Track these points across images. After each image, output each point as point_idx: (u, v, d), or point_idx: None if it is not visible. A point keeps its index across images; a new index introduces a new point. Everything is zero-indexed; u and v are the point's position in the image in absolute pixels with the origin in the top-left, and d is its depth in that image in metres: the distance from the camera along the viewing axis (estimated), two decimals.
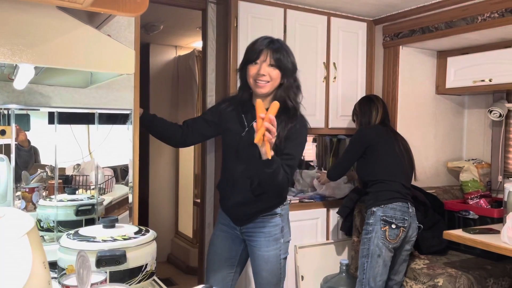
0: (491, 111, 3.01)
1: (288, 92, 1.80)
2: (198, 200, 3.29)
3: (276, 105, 1.56)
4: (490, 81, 2.79)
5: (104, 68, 1.03)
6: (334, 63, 3.02)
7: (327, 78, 2.99)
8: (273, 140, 1.58)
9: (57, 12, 0.96)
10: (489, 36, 2.69)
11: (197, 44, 3.95)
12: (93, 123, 1.64)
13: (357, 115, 2.74)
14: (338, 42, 3.04)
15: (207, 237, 2.96)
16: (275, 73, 1.75)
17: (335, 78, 3.02)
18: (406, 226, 2.40)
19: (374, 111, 2.66)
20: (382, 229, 2.38)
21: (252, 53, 1.77)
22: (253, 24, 2.70)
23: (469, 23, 2.58)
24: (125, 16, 0.97)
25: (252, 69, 1.75)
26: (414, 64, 3.14)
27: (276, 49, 1.75)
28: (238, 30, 2.66)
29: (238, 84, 1.96)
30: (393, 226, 2.37)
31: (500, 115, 2.98)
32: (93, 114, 1.61)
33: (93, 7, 0.93)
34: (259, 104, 1.55)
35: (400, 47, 3.05)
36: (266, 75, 1.73)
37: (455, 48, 3.06)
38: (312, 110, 2.88)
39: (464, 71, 3.00)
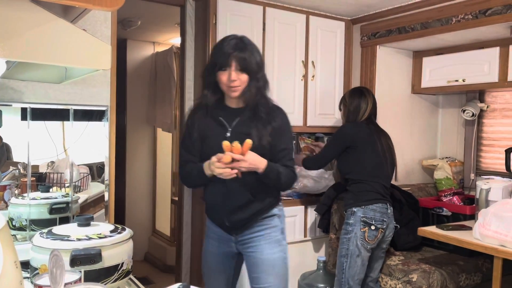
0: (464, 111, 3.08)
1: (258, 91, 1.76)
2: (176, 198, 3.26)
3: (248, 144, 1.61)
4: (463, 81, 2.86)
5: (79, 63, 1.00)
6: (312, 62, 3.04)
7: (305, 77, 3.01)
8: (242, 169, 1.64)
9: (30, 5, 0.93)
10: (463, 37, 2.75)
11: (176, 40, 3.91)
12: (67, 119, 1.60)
13: (346, 106, 2.66)
14: (316, 41, 3.06)
15: (184, 235, 2.95)
16: (244, 77, 1.71)
17: (313, 76, 3.04)
18: (384, 227, 2.42)
19: (364, 104, 2.58)
20: (362, 230, 2.40)
21: (221, 58, 1.71)
22: (232, 21, 2.70)
23: (444, 24, 2.63)
24: (101, 10, 0.95)
25: (223, 76, 1.71)
26: (390, 63, 3.18)
27: (242, 52, 1.70)
28: (217, 27, 2.65)
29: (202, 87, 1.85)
30: (373, 227, 2.39)
31: (473, 115, 3.06)
32: (67, 110, 1.58)
33: (67, 0, 0.91)
34: (226, 146, 1.60)
35: (377, 46, 3.09)
36: (237, 79, 1.70)
37: (430, 48, 3.12)
38: (290, 108, 2.89)
39: (438, 71, 3.06)
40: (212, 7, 2.63)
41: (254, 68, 1.73)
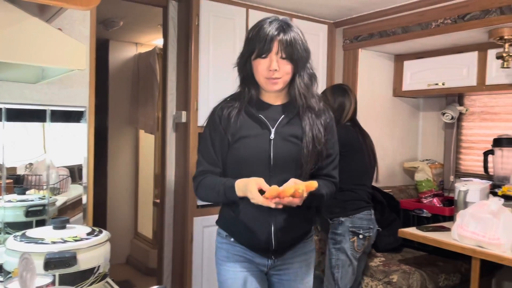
0: (444, 114, 3.13)
1: (306, 84, 1.48)
2: (158, 201, 3.24)
3: (313, 185, 1.33)
4: (443, 84, 2.90)
5: (53, 63, 0.99)
6: None
7: None
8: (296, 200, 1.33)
9: (3, 3, 0.91)
10: (443, 42, 2.79)
11: (158, 41, 3.89)
12: (44, 120, 1.58)
13: (327, 105, 2.53)
14: None
15: (166, 237, 2.92)
16: (288, 68, 1.42)
17: None
18: (371, 235, 2.42)
19: (348, 103, 2.43)
20: (351, 240, 2.36)
21: (260, 43, 1.40)
22: (215, 23, 2.69)
23: (424, 28, 2.67)
24: (76, 9, 0.94)
25: (262, 64, 1.41)
26: (372, 66, 3.21)
27: (288, 37, 1.40)
28: (200, 29, 2.64)
29: (238, 80, 1.56)
30: (361, 236, 2.36)
31: (452, 118, 3.11)
32: (44, 111, 1.55)
33: None
34: (274, 190, 1.29)
35: (360, 50, 3.12)
36: (278, 70, 1.40)
37: (411, 52, 3.16)
38: None
39: (419, 75, 3.10)
40: (194, 8, 2.62)
41: (302, 56, 1.44)
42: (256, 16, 2.85)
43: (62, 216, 1.76)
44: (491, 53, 2.60)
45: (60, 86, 1.55)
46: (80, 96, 1.61)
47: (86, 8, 0.93)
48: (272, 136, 1.46)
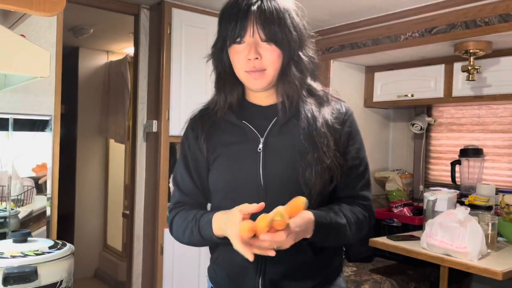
0: (413, 124, 3.20)
1: (301, 76, 1.07)
2: (128, 212, 3.16)
3: (300, 208, 0.92)
4: (412, 96, 2.97)
5: (15, 70, 0.95)
6: None
7: None
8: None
9: None
10: (412, 54, 2.86)
11: (130, 49, 3.84)
12: (7, 129, 1.52)
13: None
14: None
15: (135, 249, 2.86)
16: (274, 55, 1.02)
17: None
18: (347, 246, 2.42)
19: None
20: None
21: (231, 22, 1.02)
22: (187, 32, 2.67)
23: (393, 41, 2.73)
24: (40, 15, 0.91)
25: (238, 53, 1.03)
26: (344, 78, 3.26)
27: (268, 7, 1.00)
28: (172, 38, 2.62)
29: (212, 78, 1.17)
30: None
31: (421, 128, 3.18)
32: (7, 119, 1.50)
33: (2, 4, 0.86)
34: (263, 221, 0.85)
35: (331, 61, 3.16)
36: (260, 58, 1.01)
37: (381, 64, 3.22)
38: None
39: (389, 86, 3.17)
40: (166, 17, 2.60)
41: (293, 35, 1.03)
42: None
43: (24, 229, 1.69)
44: (457, 66, 2.68)
45: (24, 94, 1.50)
46: (46, 104, 1.56)
47: (50, 15, 0.90)
48: (260, 147, 1.05)
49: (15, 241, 1.19)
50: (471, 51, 2.42)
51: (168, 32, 2.61)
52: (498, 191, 2.59)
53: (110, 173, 4.21)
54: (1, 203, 1.77)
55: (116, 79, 3.98)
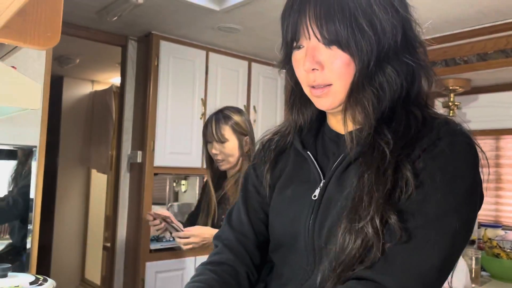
0: None
1: (380, 93, 0.72)
2: (108, 244, 3.09)
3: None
4: None
5: (5, 101, 0.94)
6: (254, 106, 3.09)
7: None
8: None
9: None
10: None
11: (115, 79, 3.84)
12: None
13: None
14: (258, 86, 3.13)
15: (116, 284, 2.77)
16: (339, 62, 0.71)
17: (255, 120, 3.09)
18: None
19: None
20: None
21: (285, 22, 0.75)
22: (174, 64, 2.70)
23: None
24: (34, 48, 0.91)
25: (296, 61, 0.76)
26: None
27: (329, 2, 0.69)
28: (159, 69, 2.64)
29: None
30: None
31: None
32: None
33: None
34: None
35: None
36: (321, 69, 0.72)
37: None
38: None
39: None
40: (154, 49, 2.63)
41: (369, 38, 0.69)
42: (216, 59, 2.89)
43: (2, 263, 1.63)
44: (437, 102, 2.76)
45: (9, 124, 1.48)
46: (31, 134, 1.54)
47: (44, 48, 0.90)
48: (315, 194, 0.76)
49: None
50: (450, 87, 2.51)
51: (156, 64, 2.63)
52: (480, 225, 2.63)
53: (90, 204, 4.13)
54: None
55: (100, 108, 3.96)
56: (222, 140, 1.65)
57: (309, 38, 0.71)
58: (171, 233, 1.57)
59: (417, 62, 0.73)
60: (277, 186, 0.84)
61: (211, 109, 2.84)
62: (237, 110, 1.77)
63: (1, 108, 1.23)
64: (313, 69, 0.72)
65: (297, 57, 0.75)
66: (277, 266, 0.83)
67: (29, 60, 1.50)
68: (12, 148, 1.51)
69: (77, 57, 3.40)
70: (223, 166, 1.67)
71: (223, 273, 0.82)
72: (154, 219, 1.56)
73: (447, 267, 0.64)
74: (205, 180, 1.84)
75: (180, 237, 1.50)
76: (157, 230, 1.57)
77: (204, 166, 1.90)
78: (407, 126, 0.70)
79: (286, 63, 0.80)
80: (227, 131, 1.66)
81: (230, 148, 1.65)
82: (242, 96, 3.04)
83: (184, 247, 1.51)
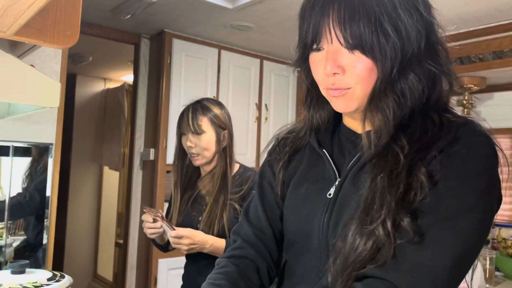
0: None
1: (397, 107, 0.71)
2: (121, 241, 3.11)
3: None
4: None
5: (26, 100, 0.95)
6: (266, 104, 3.09)
7: (259, 119, 3.05)
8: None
9: None
10: None
11: (128, 77, 3.86)
12: (7, 155, 1.50)
13: None
14: (270, 84, 3.13)
15: (128, 280, 2.79)
16: (362, 66, 0.69)
17: (266, 118, 3.09)
18: None
19: None
20: None
21: (305, 23, 0.73)
22: (187, 62, 2.71)
23: None
24: (53, 47, 0.92)
25: (314, 62, 0.75)
26: None
27: (352, 4, 0.67)
28: (172, 67, 2.65)
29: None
30: None
31: None
32: (7, 147, 1.49)
33: (17, 36, 0.87)
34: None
35: None
36: (343, 72, 0.71)
37: None
38: (243, 150, 2.90)
39: None
40: (167, 47, 2.64)
41: (393, 43, 0.67)
42: (228, 57, 2.90)
43: (19, 259, 1.65)
44: (452, 101, 2.74)
45: (26, 122, 1.50)
46: (47, 132, 1.55)
47: (63, 47, 0.91)
48: (331, 192, 0.76)
49: (13, 272, 1.16)
50: (465, 86, 2.48)
51: (168, 62, 2.64)
52: (494, 225, 2.60)
53: (103, 201, 4.16)
54: None
55: (112, 106, 3.98)
56: (198, 132, 1.50)
57: (331, 42, 0.70)
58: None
59: (439, 68, 0.71)
60: (291, 183, 0.84)
61: None
62: (217, 102, 1.63)
63: (20, 106, 1.24)
64: (334, 73, 0.71)
65: (316, 58, 0.73)
66: (290, 264, 0.83)
67: (46, 58, 1.51)
68: (28, 146, 1.53)
69: (90, 55, 3.43)
70: (197, 161, 1.53)
71: (245, 267, 0.84)
72: (154, 220, 1.45)
73: (460, 268, 0.64)
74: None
75: (172, 236, 1.40)
76: (152, 234, 1.46)
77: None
78: (423, 131, 0.69)
79: (302, 63, 0.79)
80: (205, 123, 1.52)
81: (206, 141, 1.51)
82: (253, 94, 3.04)
83: (173, 246, 1.45)
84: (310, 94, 0.83)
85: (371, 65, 0.69)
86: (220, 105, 1.61)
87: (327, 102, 0.79)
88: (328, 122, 0.83)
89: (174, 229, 1.41)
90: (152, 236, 1.47)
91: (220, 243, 1.44)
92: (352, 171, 0.74)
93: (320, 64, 0.72)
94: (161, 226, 1.43)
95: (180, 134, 1.57)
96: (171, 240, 1.41)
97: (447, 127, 0.69)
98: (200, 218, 1.53)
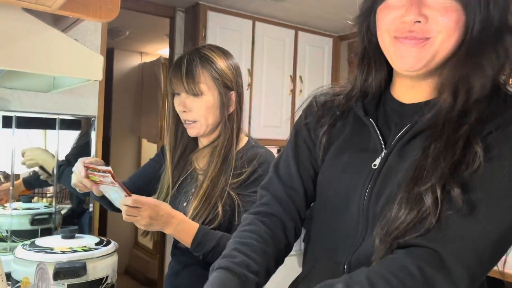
0: None
1: (494, 68, 0.66)
2: None
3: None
4: None
5: (71, 73, 0.99)
6: (300, 77, 3.06)
7: (293, 91, 3.03)
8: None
9: (23, 14, 0.92)
10: None
11: (164, 51, 3.90)
12: (53, 128, 1.58)
13: None
14: (304, 56, 3.09)
15: (167, 248, 2.91)
16: (450, 18, 0.64)
17: (301, 91, 3.06)
18: None
19: None
20: None
21: None
22: (221, 34, 2.71)
23: None
24: (95, 21, 0.95)
25: (388, 8, 0.69)
26: None
27: None
28: (207, 40, 2.66)
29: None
30: None
31: None
32: (54, 119, 1.56)
33: (62, 10, 0.90)
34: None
35: None
36: (426, 20, 0.65)
37: None
38: (277, 122, 2.91)
39: None
40: (202, 20, 2.64)
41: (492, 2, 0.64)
42: (262, 29, 2.87)
43: (67, 225, 1.76)
44: None
45: (71, 95, 1.56)
46: (90, 105, 1.61)
47: (105, 20, 0.94)
48: (376, 163, 0.73)
49: (63, 237, 1.24)
50: None
51: (203, 34, 2.65)
52: None
53: None
54: (41, 199, 1.84)
55: (149, 80, 4.06)
56: (195, 92, 1.14)
57: None
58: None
59: None
60: (331, 149, 0.81)
61: (257, 79, 2.86)
62: (222, 51, 1.23)
63: (65, 79, 1.30)
64: (416, 22, 0.64)
65: (393, 4, 0.67)
66: (320, 227, 0.82)
67: (87, 33, 1.56)
68: (73, 118, 1.60)
69: (127, 29, 3.48)
70: (193, 131, 1.18)
71: (273, 225, 0.82)
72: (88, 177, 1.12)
73: (504, 245, 0.64)
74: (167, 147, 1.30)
75: (126, 204, 1.07)
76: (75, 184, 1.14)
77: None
78: (488, 102, 0.66)
79: (366, 17, 0.75)
80: (205, 80, 1.15)
81: (206, 105, 1.15)
82: (288, 66, 3.01)
83: (125, 218, 1.11)
84: (368, 55, 0.78)
85: (460, 17, 0.64)
86: (226, 54, 1.22)
87: (386, 64, 0.75)
88: (380, 88, 0.78)
89: (130, 195, 1.08)
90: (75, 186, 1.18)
91: (191, 225, 1.10)
92: (400, 143, 0.72)
93: (396, 10, 0.67)
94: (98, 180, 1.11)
95: (172, 94, 1.21)
96: (123, 209, 1.09)
97: (509, 103, 0.66)
98: (185, 204, 1.21)
